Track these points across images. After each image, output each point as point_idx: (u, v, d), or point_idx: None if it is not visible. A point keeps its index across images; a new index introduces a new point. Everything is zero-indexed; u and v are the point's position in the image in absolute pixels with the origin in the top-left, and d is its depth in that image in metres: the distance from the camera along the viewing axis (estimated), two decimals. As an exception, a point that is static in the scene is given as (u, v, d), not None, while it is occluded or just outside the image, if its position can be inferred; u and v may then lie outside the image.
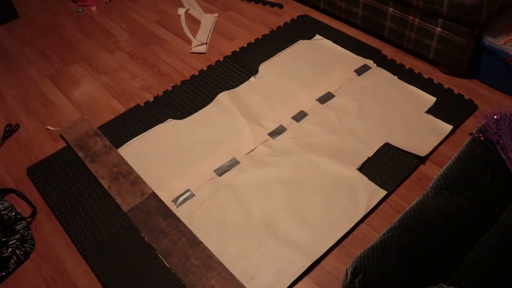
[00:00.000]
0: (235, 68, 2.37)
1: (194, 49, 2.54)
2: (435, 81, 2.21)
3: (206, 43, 2.57)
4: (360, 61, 2.34)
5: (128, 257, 1.61)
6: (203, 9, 2.87)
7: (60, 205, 1.80)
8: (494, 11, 2.06)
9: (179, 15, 2.83)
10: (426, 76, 2.24)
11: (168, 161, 1.93)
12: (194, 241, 1.64)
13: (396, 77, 2.23)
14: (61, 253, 1.67)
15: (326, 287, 1.50)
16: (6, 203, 1.78)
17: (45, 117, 2.21)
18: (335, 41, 2.48)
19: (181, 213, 1.73)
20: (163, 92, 2.27)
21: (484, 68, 2.15)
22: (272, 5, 2.85)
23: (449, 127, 1.96)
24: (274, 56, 2.42)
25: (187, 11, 2.85)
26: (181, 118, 2.12)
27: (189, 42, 2.61)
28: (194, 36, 2.63)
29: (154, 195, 1.80)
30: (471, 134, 1.50)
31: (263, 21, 2.72)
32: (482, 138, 1.42)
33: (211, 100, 2.20)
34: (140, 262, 1.60)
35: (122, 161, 1.93)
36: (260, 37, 2.58)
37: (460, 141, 1.92)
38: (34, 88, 2.40)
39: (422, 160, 1.85)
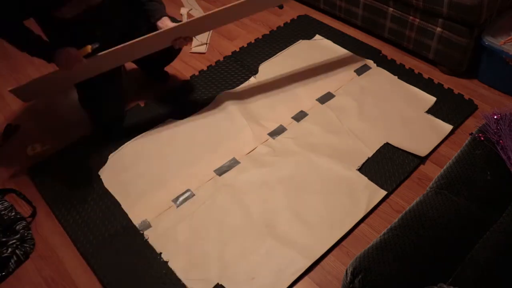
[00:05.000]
0: (235, 68, 2.37)
1: (194, 49, 2.54)
2: (435, 81, 2.21)
3: (206, 43, 2.57)
4: (360, 61, 2.34)
5: (128, 257, 1.61)
6: (203, 9, 2.87)
7: (60, 205, 1.80)
8: (494, 11, 2.06)
9: (181, 14, 2.83)
10: (426, 76, 2.24)
11: (168, 161, 1.93)
12: (194, 241, 1.64)
13: (396, 77, 2.23)
14: (61, 253, 1.67)
15: (326, 287, 1.50)
16: (6, 203, 1.78)
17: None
18: (335, 41, 2.48)
19: (181, 212, 1.73)
20: (163, 92, 2.27)
21: (484, 68, 2.15)
22: (272, 5, 2.85)
23: (449, 127, 1.96)
24: (274, 56, 2.42)
25: (189, 11, 2.85)
26: (181, 118, 2.12)
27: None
28: (194, 36, 2.63)
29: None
30: (471, 134, 1.50)
31: (263, 21, 2.72)
32: (482, 138, 1.42)
33: (211, 100, 2.20)
34: (140, 262, 1.60)
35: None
36: (260, 37, 2.58)
37: (460, 141, 1.92)
38: (34, 88, 2.39)
39: (422, 160, 1.85)
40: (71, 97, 2.31)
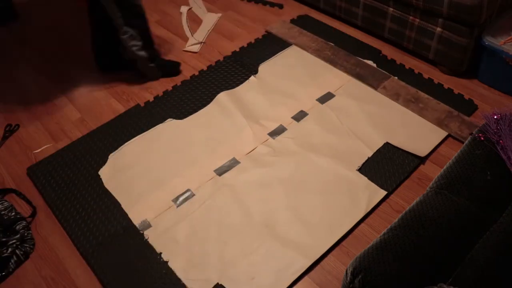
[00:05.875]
0: (235, 68, 2.37)
1: (188, 48, 2.54)
2: (435, 81, 2.21)
3: (201, 43, 2.56)
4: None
5: (128, 257, 1.61)
6: (206, 9, 2.87)
7: (60, 205, 1.80)
8: (494, 11, 2.06)
9: (181, 13, 2.83)
10: (426, 76, 2.24)
11: (168, 161, 1.93)
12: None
13: (396, 77, 2.23)
14: (61, 253, 1.67)
15: (326, 287, 1.50)
16: (6, 203, 1.78)
17: (45, 117, 2.21)
18: (335, 41, 2.48)
19: (181, 212, 1.73)
20: (163, 92, 2.27)
21: (484, 68, 2.15)
22: (272, 5, 2.85)
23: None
24: (274, 56, 2.42)
25: (189, 9, 2.85)
26: (181, 118, 2.12)
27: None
28: (192, 34, 2.63)
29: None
30: (471, 134, 1.50)
31: (263, 21, 2.72)
32: (482, 138, 1.42)
33: (211, 100, 2.20)
34: (140, 262, 1.60)
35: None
36: (260, 37, 2.58)
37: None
38: (34, 88, 2.40)
39: (422, 160, 1.85)
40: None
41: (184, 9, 2.86)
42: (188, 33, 2.65)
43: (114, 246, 1.65)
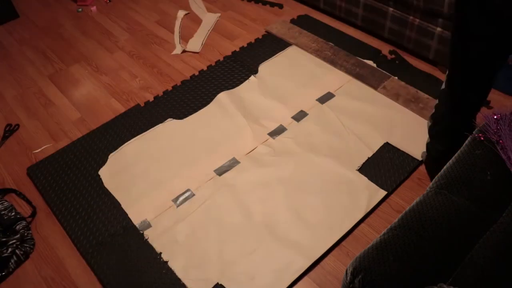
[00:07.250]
0: (235, 68, 2.37)
1: (188, 48, 2.53)
2: (436, 81, 2.20)
3: (184, 51, 2.55)
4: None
5: (128, 257, 1.61)
6: (206, 9, 2.87)
7: (60, 205, 1.80)
8: (494, 11, 2.06)
9: (177, 17, 2.82)
10: (426, 76, 2.24)
11: (168, 161, 1.93)
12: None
13: (396, 77, 2.23)
14: (61, 253, 1.67)
15: (326, 287, 1.50)
16: (6, 203, 1.78)
17: (45, 117, 2.21)
18: (335, 41, 2.48)
19: (181, 212, 1.73)
20: (163, 92, 2.27)
21: (484, 68, 2.14)
22: (272, 5, 2.84)
23: (449, 127, 1.96)
24: (274, 56, 2.42)
25: (186, 14, 2.84)
26: (181, 118, 2.12)
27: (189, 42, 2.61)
28: (180, 42, 2.60)
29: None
30: (471, 134, 1.50)
31: (263, 21, 2.72)
32: (482, 138, 1.42)
33: (211, 100, 2.20)
34: (140, 262, 1.60)
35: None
36: (260, 37, 2.58)
37: (460, 141, 1.91)
38: (34, 88, 2.40)
39: (422, 160, 1.85)
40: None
41: (181, 13, 2.84)
42: (176, 40, 2.63)
43: (114, 246, 1.65)
